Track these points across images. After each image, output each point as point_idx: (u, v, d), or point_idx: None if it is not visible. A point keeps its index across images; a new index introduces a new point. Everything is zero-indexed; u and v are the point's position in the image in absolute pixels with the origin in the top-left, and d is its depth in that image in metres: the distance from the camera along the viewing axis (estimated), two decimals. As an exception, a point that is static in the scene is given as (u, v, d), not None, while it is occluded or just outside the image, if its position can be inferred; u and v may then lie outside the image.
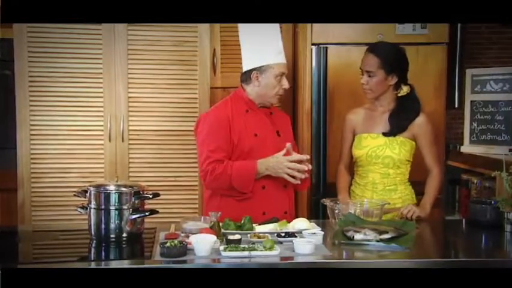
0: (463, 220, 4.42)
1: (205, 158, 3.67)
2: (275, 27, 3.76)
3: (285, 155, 3.63)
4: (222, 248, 2.97)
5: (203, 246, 2.95)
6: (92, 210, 3.28)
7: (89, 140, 4.78)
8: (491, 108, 5.00)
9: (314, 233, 3.22)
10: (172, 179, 4.85)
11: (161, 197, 3.46)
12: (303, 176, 3.64)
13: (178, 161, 4.85)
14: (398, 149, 3.94)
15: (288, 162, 3.59)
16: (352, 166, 4.17)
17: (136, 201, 3.30)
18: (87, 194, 3.31)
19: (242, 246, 3.00)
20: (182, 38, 4.81)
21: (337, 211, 3.58)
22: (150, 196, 3.37)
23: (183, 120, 4.83)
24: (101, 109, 4.76)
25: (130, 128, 4.80)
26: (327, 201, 3.68)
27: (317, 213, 4.81)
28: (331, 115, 4.87)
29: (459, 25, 5.55)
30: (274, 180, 3.70)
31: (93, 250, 3.26)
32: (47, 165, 4.75)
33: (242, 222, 3.39)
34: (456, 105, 5.64)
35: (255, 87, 3.76)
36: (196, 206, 4.87)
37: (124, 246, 3.25)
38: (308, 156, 3.66)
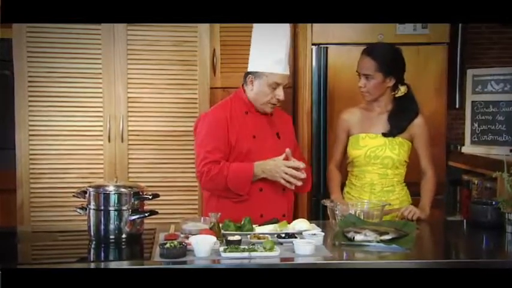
0: (464, 221, 4.42)
1: (202, 159, 3.65)
2: (283, 34, 3.69)
3: (284, 159, 3.61)
4: (222, 249, 2.96)
5: (203, 247, 2.94)
6: (91, 211, 3.26)
7: (88, 140, 4.77)
8: (492, 108, 4.99)
9: (314, 234, 3.20)
10: (172, 180, 4.83)
11: (161, 197, 3.44)
12: (299, 183, 3.61)
13: (178, 162, 4.84)
14: (398, 149, 3.94)
15: (285, 167, 3.57)
16: (343, 166, 4.15)
17: (135, 202, 3.29)
18: (87, 195, 3.30)
19: (242, 247, 2.99)
20: (182, 38, 4.80)
21: (337, 212, 3.56)
22: (150, 197, 3.36)
23: (182, 121, 4.83)
24: (100, 109, 4.76)
25: (130, 128, 4.79)
26: (327, 202, 3.67)
27: (317, 214, 4.80)
28: (331, 115, 4.86)
29: (460, 25, 5.54)
30: (273, 183, 3.67)
31: (92, 251, 3.25)
32: (46, 165, 4.75)
33: (242, 223, 3.38)
34: (457, 106, 5.63)
35: (250, 91, 3.75)
36: (196, 206, 4.87)
37: (123, 247, 3.24)
38: (304, 165, 3.63)
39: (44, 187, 4.75)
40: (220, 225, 3.28)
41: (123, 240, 3.25)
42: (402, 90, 3.99)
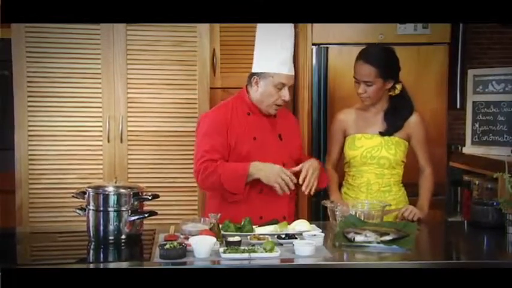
0: (465, 221, 4.41)
1: (199, 158, 3.64)
2: (287, 35, 3.69)
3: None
4: (221, 249, 2.96)
5: (203, 248, 2.93)
6: (91, 212, 3.27)
7: (87, 141, 4.75)
8: (493, 108, 4.98)
9: (314, 235, 3.20)
10: (172, 180, 4.82)
11: (160, 198, 3.45)
12: (287, 192, 3.58)
13: (178, 162, 4.82)
14: (394, 149, 3.94)
15: (282, 174, 3.55)
16: (340, 166, 4.15)
17: (135, 203, 3.30)
18: (86, 196, 3.30)
19: (242, 248, 2.99)
20: (181, 38, 4.78)
21: (337, 213, 3.55)
22: (149, 197, 3.36)
23: (182, 121, 4.81)
24: (100, 110, 4.74)
25: (129, 128, 4.78)
26: (328, 203, 3.68)
27: (317, 215, 4.78)
28: (332, 115, 4.81)
29: (461, 25, 5.53)
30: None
31: (91, 252, 3.25)
32: (45, 166, 4.73)
33: (242, 223, 3.37)
34: (458, 106, 5.62)
35: (255, 92, 3.73)
36: (196, 207, 4.85)
37: (123, 248, 3.24)
38: (299, 168, 3.62)
39: (43, 188, 4.74)
40: (220, 226, 3.28)
41: (123, 241, 3.25)
42: (398, 88, 3.99)
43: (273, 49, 3.65)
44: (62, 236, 3.60)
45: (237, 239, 3.09)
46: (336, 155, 4.13)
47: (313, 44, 4.91)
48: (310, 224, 3.45)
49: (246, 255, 2.91)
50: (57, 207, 4.69)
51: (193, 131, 4.65)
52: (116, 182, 3.38)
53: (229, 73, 5.06)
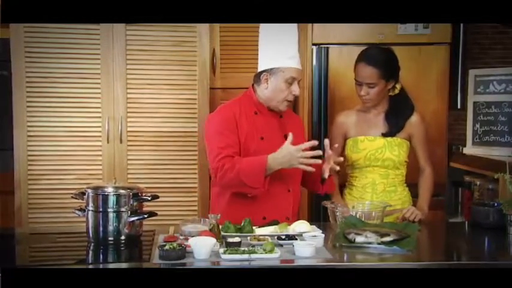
0: (466, 222, 4.41)
1: (216, 155, 3.57)
2: (292, 31, 3.69)
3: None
4: (221, 250, 2.96)
5: (202, 249, 2.93)
6: (90, 213, 3.26)
7: (86, 141, 4.74)
8: (494, 109, 4.98)
9: (315, 236, 3.19)
10: (171, 181, 4.81)
11: (160, 199, 3.44)
12: (318, 161, 3.53)
13: (178, 163, 4.81)
14: (397, 150, 3.93)
15: (300, 152, 3.49)
16: (341, 169, 4.12)
17: (134, 204, 3.29)
18: (85, 196, 3.29)
19: (242, 249, 2.99)
20: (181, 38, 4.77)
21: (338, 213, 3.54)
22: (149, 198, 3.35)
23: (182, 121, 4.80)
24: (99, 110, 4.73)
25: (129, 129, 4.76)
26: (328, 204, 3.67)
27: (318, 216, 4.77)
28: (332, 116, 4.82)
29: (462, 25, 5.52)
30: (278, 184, 3.66)
31: (91, 253, 3.24)
32: (45, 167, 4.72)
33: (242, 224, 3.36)
34: (459, 106, 5.62)
35: (264, 90, 3.70)
36: (196, 208, 4.84)
37: (122, 249, 3.23)
38: (316, 142, 3.56)
39: (42, 188, 4.73)
40: (220, 227, 3.26)
41: (122, 242, 3.24)
42: (398, 88, 3.99)
43: (280, 44, 3.64)
44: (61, 237, 3.59)
45: (237, 239, 3.08)
46: None
47: (313, 44, 4.91)
48: (311, 224, 3.44)
49: (246, 256, 2.91)
50: (57, 207, 4.68)
51: (193, 132, 4.70)
52: (115, 183, 3.37)
53: (229, 73, 5.05)
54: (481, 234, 3.59)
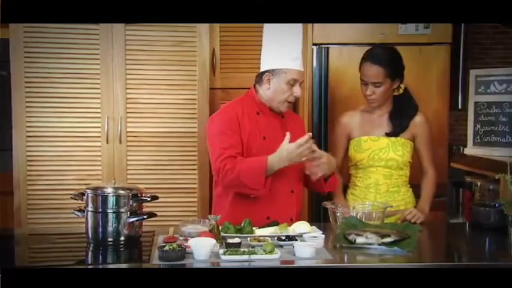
0: (467, 223, 4.40)
1: (218, 156, 3.58)
2: (296, 32, 3.69)
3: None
4: (221, 251, 2.95)
5: (202, 249, 2.92)
6: (89, 213, 3.25)
7: (86, 141, 4.73)
8: (495, 109, 4.96)
9: (315, 237, 3.18)
10: (171, 182, 4.80)
11: (160, 199, 3.43)
12: (324, 154, 3.57)
13: (177, 163, 4.81)
14: (401, 150, 3.92)
15: (300, 147, 3.49)
16: (345, 168, 4.13)
17: (134, 204, 3.28)
18: (84, 197, 3.29)
19: (242, 249, 2.98)
20: (181, 38, 4.76)
21: (338, 214, 3.53)
22: (149, 199, 3.35)
23: (182, 122, 4.79)
24: (99, 110, 4.72)
25: (128, 129, 4.76)
26: (328, 204, 3.66)
27: (318, 217, 4.76)
28: (332, 116, 4.83)
29: (463, 25, 5.52)
30: (281, 185, 3.66)
31: (90, 254, 3.23)
32: (44, 167, 4.72)
33: (242, 225, 3.36)
34: (460, 107, 5.62)
35: (266, 90, 3.70)
36: (195, 209, 4.83)
37: (122, 249, 3.23)
38: (310, 134, 3.56)
39: (41, 189, 4.72)
40: (220, 227, 3.26)
41: (122, 242, 3.24)
42: (402, 87, 3.98)
43: (284, 45, 3.64)
44: (60, 238, 3.58)
45: (236, 240, 3.07)
46: (339, 158, 4.09)
47: (313, 44, 4.90)
48: (311, 225, 3.43)
49: (245, 257, 2.90)
50: (56, 208, 4.68)
51: (193, 132, 4.69)
52: (114, 183, 3.36)
53: (229, 73, 5.05)
54: (482, 235, 3.58)
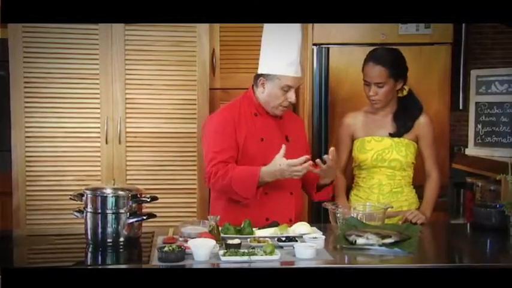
0: (468, 224, 4.40)
1: (210, 160, 3.61)
2: (294, 37, 3.65)
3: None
4: (221, 252, 2.94)
5: (202, 250, 2.92)
6: (89, 214, 3.24)
7: (85, 142, 4.73)
8: (496, 109, 4.96)
9: (315, 238, 3.17)
10: (171, 182, 4.79)
11: (159, 200, 3.41)
12: (315, 170, 3.54)
13: (177, 164, 4.80)
14: (405, 151, 3.92)
15: (291, 167, 3.48)
16: (348, 170, 4.13)
17: (133, 205, 3.27)
18: (84, 198, 3.27)
19: (242, 251, 2.97)
20: (181, 38, 4.76)
21: (338, 215, 3.52)
22: (148, 200, 3.33)
23: (181, 122, 4.78)
24: (98, 111, 4.72)
25: (128, 130, 4.75)
26: (329, 205, 3.65)
27: (318, 217, 4.75)
28: (333, 117, 4.82)
29: (463, 25, 5.51)
30: (279, 187, 3.65)
31: (89, 255, 3.23)
32: (43, 168, 4.71)
33: (242, 226, 3.35)
34: (461, 107, 5.61)
35: (261, 94, 3.70)
36: (195, 209, 4.83)
37: (121, 250, 3.22)
38: (308, 157, 3.55)
39: (40, 190, 4.71)
40: (220, 228, 3.24)
41: (121, 243, 3.22)
42: (406, 89, 3.98)
43: (279, 50, 3.62)
44: (59, 239, 3.57)
45: (236, 241, 3.07)
46: (343, 159, 4.09)
47: (313, 44, 4.88)
48: (311, 226, 3.42)
49: (245, 258, 2.89)
50: (55, 209, 4.67)
51: (193, 132, 4.68)
52: (114, 184, 3.36)
53: (228, 74, 5.04)
54: (483, 235, 3.57)
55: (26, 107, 4.65)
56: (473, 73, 5.16)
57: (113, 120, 4.71)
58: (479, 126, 5.07)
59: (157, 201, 3.37)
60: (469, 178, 5.17)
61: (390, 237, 3.19)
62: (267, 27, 3.68)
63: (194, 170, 4.78)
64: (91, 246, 3.24)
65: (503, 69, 5.06)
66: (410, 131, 3.95)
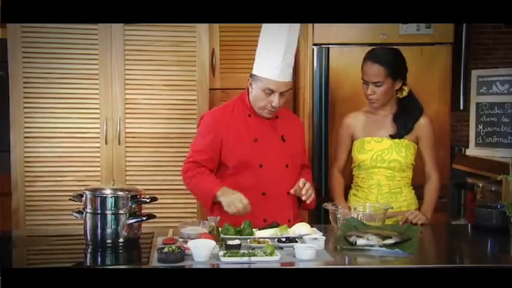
0: (469, 225, 4.40)
1: (188, 157, 3.76)
2: (282, 42, 3.60)
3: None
4: (221, 253, 2.94)
5: (202, 251, 2.91)
6: (88, 215, 3.23)
7: (84, 142, 4.72)
8: (497, 110, 4.96)
9: (315, 238, 3.17)
10: (170, 183, 4.78)
11: (159, 201, 3.40)
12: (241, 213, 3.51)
13: (177, 164, 4.76)
14: (404, 152, 3.91)
15: (239, 204, 3.46)
16: (347, 170, 4.12)
17: (133, 206, 3.26)
18: (83, 198, 3.27)
19: (242, 251, 2.97)
20: (180, 38, 4.75)
21: (339, 216, 3.51)
22: (148, 200, 3.32)
23: (181, 123, 4.78)
24: (97, 111, 4.71)
25: (127, 130, 4.74)
26: (329, 206, 3.64)
27: (318, 218, 4.74)
28: (333, 117, 4.81)
29: (464, 25, 5.50)
30: (276, 187, 3.65)
31: (89, 256, 3.22)
32: (42, 168, 4.70)
33: (242, 227, 3.34)
34: (461, 107, 5.61)
35: (250, 94, 3.71)
36: (195, 210, 4.82)
37: (121, 251, 3.22)
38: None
39: (39, 190, 4.70)
40: (220, 229, 3.24)
41: (120, 244, 3.22)
42: (406, 90, 3.95)
43: (267, 53, 3.61)
44: (58, 240, 3.55)
45: (236, 242, 3.07)
46: (343, 160, 4.09)
47: (314, 45, 4.87)
48: (311, 227, 3.42)
49: (245, 259, 2.89)
50: (54, 210, 4.66)
51: (193, 133, 4.65)
52: (113, 185, 3.34)
53: (228, 74, 5.02)
54: (484, 236, 3.57)
55: (25, 107, 4.64)
56: (474, 73, 5.16)
57: (113, 120, 4.70)
58: (480, 126, 5.08)
59: (157, 201, 3.36)
60: (469, 179, 5.18)
61: (391, 238, 3.19)
62: (264, 28, 3.67)
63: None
64: (90, 247, 3.23)
65: (504, 70, 5.07)
66: (411, 132, 3.94)
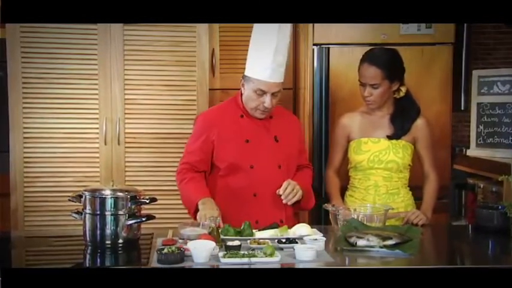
0: (469, 225, 4.40)
1: (182, 158, 3.81)
2: (273, 43, 3.58)
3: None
4: (221, 254, 2.93)
5: (201, 252, 2.91)
6: (87, 216, 3.23)
7: (84, 143, 4.72)
8: (498, 110, 4.95)
9: (315, 239, 3.16)
10: (170, 184, 4.75)
11: (158, 201, 3.40)
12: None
13: (176, 165, 4.71)
14: (402, 153, 3.90)
15: (210, 218, 3.36)
16: (342, 171, 4.11)
17: (132, 206, 3.26)
18: (82, 199, 3.26)
19: (242, 252, 2.96)
20: (180, 38, 4.75)
21: (339, 216, 3.51)
22: (147, 201, 3.31)
23: (180, 123, 4.78)
24: (96, 111, 4.71)
25: (127, 130, 4.74)
26: (329, 207, 3.65)
27: (318, 219, 4.73)
28: (333, 117, 4.79)
29: (465, 25, 5.49)
30: (268, 188, 3.65)
31: (88, 257, 3.22)
32: (41, 169, 4.70)
33: (242, 227, 3.33)
34: (462, 108, 5.59)
35: (243, 95, 3.70)
36: (195, 211, 4.78)
37: (120, 252, 3.22)
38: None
39: (38, 191, 4.70)
40: (220, 230, 3.23)
41: (120, 245, 3.22)
42: (403, 90, 3.94)
43: (258, 53, 3.60)
44: (57, 240, 3.54)
45: (236, 243, 3.06)
46: (338, 160, 4.08)
47: (314, 45, 4.85)
48: (311, 228, 3.41)
49: (245, 260, 2.88)
50: (53, 210, 4.67)
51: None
52: (113, 185, 3.34)
53: (228, 74, 5.03)
54: (485, 237, 3.56)
55: (24, 107, 4.64)
56: (475, 73, 5.15)
57: (112, 120, 4.70)
58: (481, 127, 5.07)
59: (156, 202, 3.35)
60: (470, 179, 5.17)
61: (391, 238, 3.18)
62: (255, 28, 3.65)
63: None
64: (90, 247, 3.23)
65: (505, 70, 5.06)
66: (408, 133, 3.93)
